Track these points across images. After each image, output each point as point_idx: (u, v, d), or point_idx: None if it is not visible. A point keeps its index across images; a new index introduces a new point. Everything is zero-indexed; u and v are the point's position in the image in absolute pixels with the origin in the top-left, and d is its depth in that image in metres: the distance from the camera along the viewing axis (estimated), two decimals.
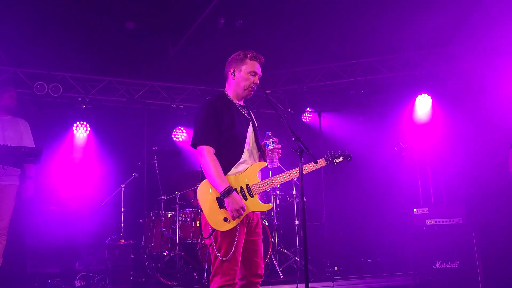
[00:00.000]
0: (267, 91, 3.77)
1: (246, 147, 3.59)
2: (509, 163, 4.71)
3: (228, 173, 3.48)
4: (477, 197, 6.92)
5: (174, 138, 9.03)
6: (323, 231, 6.90)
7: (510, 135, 4.96)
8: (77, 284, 6.20)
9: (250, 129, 3.66)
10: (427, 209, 6.42)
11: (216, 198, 3.42)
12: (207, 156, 3.41)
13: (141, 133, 7.88)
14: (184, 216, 6.80)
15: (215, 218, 3.39)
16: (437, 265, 6.15)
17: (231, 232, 3.39)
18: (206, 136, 3.46)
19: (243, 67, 3.66)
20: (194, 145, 3.50)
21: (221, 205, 3.41)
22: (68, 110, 8.14)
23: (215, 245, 3.40)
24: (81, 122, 8.28)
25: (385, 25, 7.24)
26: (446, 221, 6.35)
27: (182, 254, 6.65)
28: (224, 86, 3.78)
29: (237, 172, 3.53)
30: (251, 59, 3.67)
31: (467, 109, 7.50)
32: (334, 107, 8.68)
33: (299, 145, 3.49)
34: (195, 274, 6.51)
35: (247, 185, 3.52)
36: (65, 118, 8.17)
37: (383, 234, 7.50)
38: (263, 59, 3.72)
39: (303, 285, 3.43)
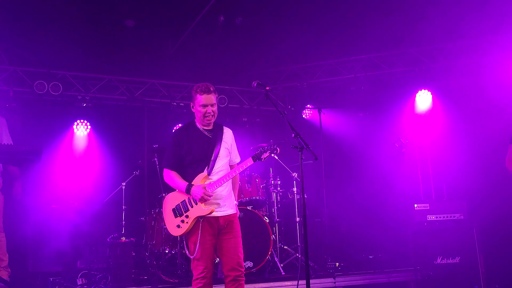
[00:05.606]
0: (267, 88, 3.78)
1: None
2: (506, 159, 4.68)
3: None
4: (478, 193, 6.91)
5: None
6: (324, 227, 6.90)
7: (510, 130, 4.94)
8: (79, 282, 6.21)
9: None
10: (428, 205, 6.43)
11: (172, 209, 3.96)
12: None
13: (141, 131, 7.88)
14: None
15: (171, 225, 3.96)
16: (438, 260, 6.15)
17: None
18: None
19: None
20: None
21: (175, 215, 3.93)
22: (68, 109, 8.13)
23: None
24: (82, 121, 8.27)
25: (385, 21, 7.23)
26: (447, 217, 6.36)
27: (184, 251, 6.65)
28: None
29: None
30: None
31: (467, 104, 7.49)
32: (334, 103, 8.68)
33: (299, 141, 3.51)
34: None
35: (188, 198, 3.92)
36: (66, 116, 8.17)
37: (384, 230, 7.50)
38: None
39: (304, 281, 3.45)
